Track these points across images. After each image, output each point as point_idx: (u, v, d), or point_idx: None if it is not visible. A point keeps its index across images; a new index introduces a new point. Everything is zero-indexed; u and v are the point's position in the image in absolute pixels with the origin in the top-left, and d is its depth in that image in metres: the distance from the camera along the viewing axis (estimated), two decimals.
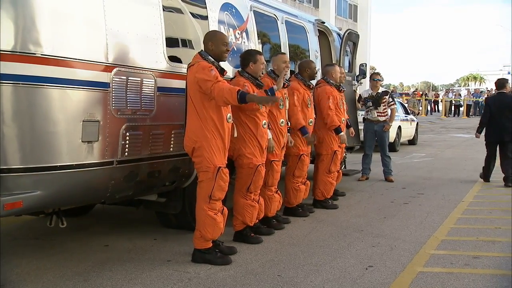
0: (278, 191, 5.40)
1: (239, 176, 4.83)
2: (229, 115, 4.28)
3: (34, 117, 3.53)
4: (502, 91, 8.37)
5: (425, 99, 33.18)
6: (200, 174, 4.21)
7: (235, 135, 4.51)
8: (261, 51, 5.66)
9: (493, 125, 8.18)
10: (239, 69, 4.93)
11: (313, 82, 6.33)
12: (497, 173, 9.52)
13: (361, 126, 8.74)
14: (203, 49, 4.29)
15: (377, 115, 8.49)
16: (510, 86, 9.96)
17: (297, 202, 5.98)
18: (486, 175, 8.56)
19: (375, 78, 8.70)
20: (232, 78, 4.92)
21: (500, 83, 8.49)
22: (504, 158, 8.20)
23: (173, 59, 4.59)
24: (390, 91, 10.16)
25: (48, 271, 4.07)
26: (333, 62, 7.87)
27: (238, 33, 5.56)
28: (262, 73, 4.92)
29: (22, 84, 3.45)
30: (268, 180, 5.20)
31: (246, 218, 4.83)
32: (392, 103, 8.63)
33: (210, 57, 4.19)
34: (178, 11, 4.84)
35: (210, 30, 4.99)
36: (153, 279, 3.92)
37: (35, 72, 3.49)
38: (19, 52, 3.44)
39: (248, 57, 4.85)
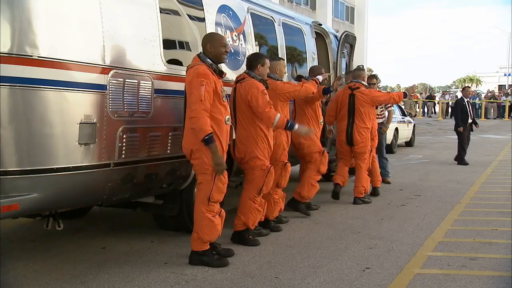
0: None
1: (251, 178, 4.84)
2: (227, 117, 4.27)
3: (31, 119, 3.52)
4: (463, 95, 11.70)
5: (422, 101, 33.25)
6: (199, 176, 4.19)
7: (234, 136, 4.53)
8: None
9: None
10: (247, 71, 4.97)
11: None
12: (492, 176, 9.56)
13: None
14: (201, 51, 4.28)
15: None
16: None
17: (309, 198, 6.12)
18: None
19: (371, 80, 8.70)
20: (241, 80, 4.91)
21: (462, 89, 12.49)
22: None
23: (170, 61, 4.59)
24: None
25: (45, 274, 4.06)
26: (330, 64, 7.89)
27: (235, 35, 5.57)
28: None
29: (18, 86, 3.45)
30: (281, 182, 5.29)
31: (249, 220, 4.84)
32: (389, 105, 8.64)
33: (208, 59, 4.18)
34: (175, 13, 4.84)
35: (208, 32, 5.01)
36: (150, 281, 3.91)
37: (32, 74, 3.48)
38: (16, 54, 3.43)
39: (256, 59, 4.92)
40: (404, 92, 7.37)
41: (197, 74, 4.03)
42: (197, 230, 4.20)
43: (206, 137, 3.97)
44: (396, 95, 7.15)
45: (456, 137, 11.54)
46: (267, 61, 4.97)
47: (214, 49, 4.20)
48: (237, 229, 4.91)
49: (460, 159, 11.20)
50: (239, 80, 4.94)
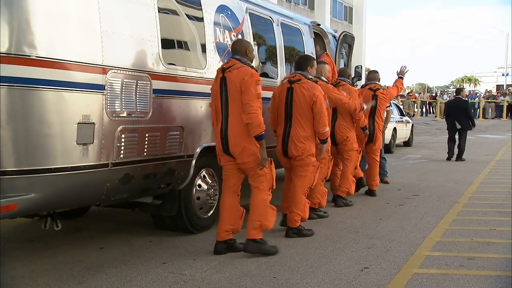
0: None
1: (304, 174, 5.14)
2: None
3: (29, 119, 3.52)
4: (458, 96, 12.21)
5: (421, 101, 33.25)
6: (256, 171, 4.40)
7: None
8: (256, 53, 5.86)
9: (452, 120, 11.93)
10: (300, 72, 5.22)
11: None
12: (490, 175, 9.57)
13: None
14: (239, 55, 4.48)
15: None
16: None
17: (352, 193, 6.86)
18: (448, 154, 11.94)
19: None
20: (297, 81, 5.12)
21: (457, 90, 12.82)
22: (460, 142, 11.82)
23: (169, 61, 4.58)
24: None
25: (43, 274, 4.06)
26: None
27: (234, 35, 5.57)
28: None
29: (16, 86, 3.44)
30: (328, 174, 6.09)
31: (306, 214, 5.19)
32: (387, 105, 8.64)
33: (249, 62, 4.50)
34: (174, 12, 4.84)
35: (206, 32, 5.06)
36: (148, 281, 3.91)
37: (30, 74, 3.48)
38: (14, 54, 3.43)
39: (306, 61, 5.30)
40: (399, 77, 7.81)
41: (252, 74, 4.34)
42: (260, 219, 4.42)
43: (261, 133, 4.29)
44: (398, 83, 7.73)
45: (457, 136, 11.87)
46: (315, 63, 5.39)
47: (251, 54, 4.56)
48: (294, 226, 5.12)
49: (458, 156, 11.85)
50: (294, 80, 5.15)
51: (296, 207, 5.14)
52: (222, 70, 4.49)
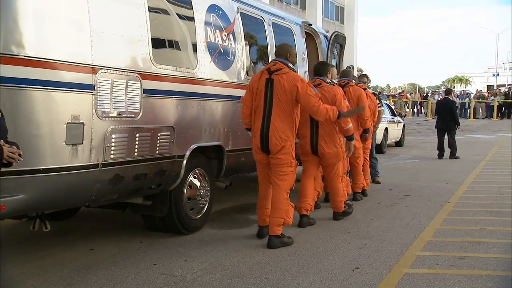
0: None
1: (337, 167, 5.71)
2: None
3: (17, 119, 3.48)
4: (447, 96, 12.97)
5: (412, 101, 33.41)
6: (285, 169, 4.73)
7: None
8: (249, 53, 6.02)
9: (440, 119, 12.46)
10: (321, 77, 5.71)
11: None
12: (480, 175, 9.62)
13: None
14: (282, 58, 4.81)
15: None
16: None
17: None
18: (439, 154, 12.23)
19: (361, 80, 8.73)
20: (318, 85, 5.51)
21: (447, 91, 13.95)
22: (449, 140, 12.16)
23: (159, 61, 4.56)
24: (377, 93, 10.25)
25: (32, 276, 4.01)
26: None
27: (225, 35, 5.55)
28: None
29: (4, 86, 3.41)
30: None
31: (345, 198, 5.90)
32: (379, 105, 8.66)
33: (290, 64, 4.84)
34: (164, 12, 4.81)
35: (197, 31, 5.03)
36: (139, 282, 3.89)
37: (18, 74, 3.46)
38: (2, 54, 3.40)
39: (326, 67, 5.86)
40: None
41: (302, 80, 4.78)
42: (283, 216, 4.76)
43: (339, 113, 4.92)
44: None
45: (446, 136, 12.21)
46: (331, 69, 5.95)
47: (291, 58, 4.89)
48: (339, 210, 5.82)
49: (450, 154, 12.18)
50: (316, 85, 5.47)
51: (339, 194, 5.75)
52: (268, 71, 4.73)
